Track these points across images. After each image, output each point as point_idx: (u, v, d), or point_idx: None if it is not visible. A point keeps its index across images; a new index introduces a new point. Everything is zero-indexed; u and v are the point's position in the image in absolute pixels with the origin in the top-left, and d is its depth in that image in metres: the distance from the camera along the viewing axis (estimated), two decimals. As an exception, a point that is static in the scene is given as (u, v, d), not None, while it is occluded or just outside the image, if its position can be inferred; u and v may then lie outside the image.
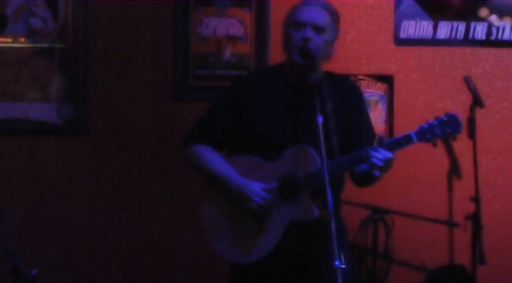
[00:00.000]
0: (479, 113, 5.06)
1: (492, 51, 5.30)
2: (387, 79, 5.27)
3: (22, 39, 5.17)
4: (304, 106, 3.64)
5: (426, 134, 3.52)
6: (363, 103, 3.84)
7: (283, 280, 3.67)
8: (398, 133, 5.16)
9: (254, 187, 3.61)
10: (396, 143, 3.55)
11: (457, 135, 3.55)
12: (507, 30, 5.30)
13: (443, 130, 3.51)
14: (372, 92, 5.26)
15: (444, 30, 5.29)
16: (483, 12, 5.30)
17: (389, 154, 3.52)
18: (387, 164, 3.54)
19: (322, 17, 3.64)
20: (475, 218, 4.94)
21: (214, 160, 3.72)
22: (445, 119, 3.51)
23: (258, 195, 3.60)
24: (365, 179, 3.71)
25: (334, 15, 3.68)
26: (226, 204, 3.69)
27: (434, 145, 3.57)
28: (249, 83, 3.78)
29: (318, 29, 3.62)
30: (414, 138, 3.52)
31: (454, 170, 5.27)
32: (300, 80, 3.67)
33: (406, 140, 3.54)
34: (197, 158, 3.75)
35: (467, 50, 5.30)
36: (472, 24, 5.29)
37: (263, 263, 3.63)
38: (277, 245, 3.59)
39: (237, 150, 3.72)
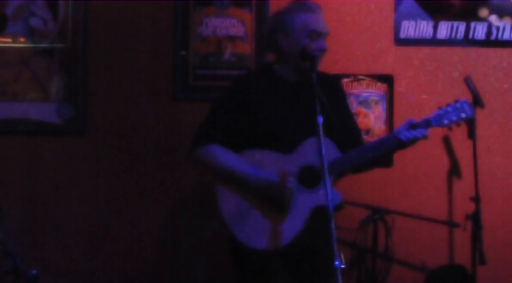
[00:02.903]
0: (479, 113, 5.05)
1: (492, 51, 5.31)
2: (387, 79, 5.27)
3: (22, 39, 5.17)
4: (304, 101, 3.76)
5: (442, 119, 3.81)
6: (346, 97, 4.08)
7: (288, 271, 3.73)
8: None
9: (277, 175, 3.69)
10: (416, 127, 3.79)
11: (470, 119, 3.90)
12: (507, 30, 5.30)
13: (457, 115, 3.82)
14: (372, 92, 5.26)
15: (444, 30, 5.29)
16: (483, 12, 5.30)
17: (424, 132, 3.79)
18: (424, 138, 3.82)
19: (326, 25, 3.87)
20: (475, 218, 4.94)
21: (229, 157, 3.78)
22: (458, 105, 3.82)
23: (284, 178, 3.68)
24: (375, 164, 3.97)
25: None
26: (246, 195, 3.76)
27: (450, 129, 3.88)
28: (247, 83, 3.88)
29: (326, 37, 3.85)
30: (433, 123, 3.81)
31: (454, 170, 5.27)
32: (296, 80, 3.82)
33: (426, 124, 3.80)
34: (211, 158, 3.81)
35: (467, 50, 5.30)
36: (472, 24, 5.29)
37: (276, 254, 3.71)
38: (301, 230, 3.69)
39: (244, 148, 3.79)
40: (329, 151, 3.65)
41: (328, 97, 3.73)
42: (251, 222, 3.74)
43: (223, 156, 3.78)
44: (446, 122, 3.80)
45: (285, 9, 3.90)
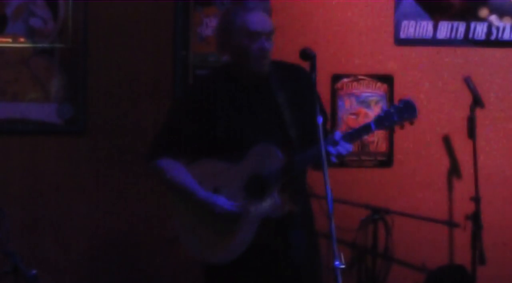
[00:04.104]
0: (479, 113, 5.06)
1: (492, 51, 5.30)
2: (387, 79, 5.27)
3: (22, 39, 5.17)
4: (257, 105, 3.70)
5: (384, 121, 3.62)
6: (312, 86, 3.79)
7: (258, 276, 3.71)
8: (398, 132, 5.19)
9: (221, 202, 3.66)
10: (356, 134, 3.64)
11: (414, 120, 3.64)
12: (507, 30, 5.30)
13: (400, 116, 3.61)
14: (372, 92, 5.26)
15: (444, 30, 5.29)
16: (483, 12, 5.30)
17: (350, 147, 3.60)
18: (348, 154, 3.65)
19: (270, 23, 3.70)
20: (475, 218, 4.95)
21: (177, 176, 3.74)
22: (401, 105, 3.62)
23: (227, 210, 3.64)
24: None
25: (271, 13, 3.74)
26: (196, 212, 3.73)
27: (393, 131, 3.66)
28: (200, 89, 3.81)
29: (269, 36, 3.69)
30: (373, 127, 3.62)
31: (454, 170, 5.27)
32: (250, 81, 3.72)
33: (365, 129, 3.64)
34: (161, 174, 3.78)
35: (467, 50, 5.30)
36: (472, 24, 5.29)
37: (237, 262, 3.67)
38: (252, 242, 3.64)
39: (202, 155, 3.73)
40: (272, 158, 3.60)
41: (289, 88, 3.68)
42: (201, 236, 3.72)
43: (171, 174, 3.74)
44: (387, 123, 3.61)
45: (225, 10, 3.82)
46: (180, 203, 3.80)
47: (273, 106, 3.67)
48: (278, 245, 3.69)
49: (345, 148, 3.59)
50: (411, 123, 3.65)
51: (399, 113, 3.61)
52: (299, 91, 3.72)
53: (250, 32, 3.64)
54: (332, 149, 3.57)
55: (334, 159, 3.59)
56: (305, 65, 3.72)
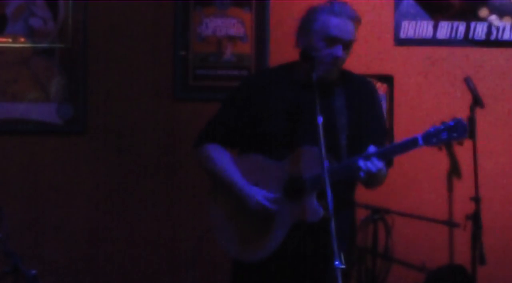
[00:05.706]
0: (479, 113, 5.05)
1: (492, 51, 5.30)
2: (387, 79, 5.27)
3: (22, 39, 5.17)
4: (310, 106, 3.58)
5: (432, 138, 3.48)
6: (377, 102, 3.80)
7: (285, 281, 3.68)
8: (398, 133, 5.20)
9: (258, 196, 3.61)
10: (403, 146, 3.52)
11: (463, 140, 3.52)
12: (507, 30, 5.30)
13: (449, 135, 3.46)
14: (372, 92, 5.26)
15: (444, 30, 5.29)
16: (483, 12, 5.30)
17: (380, 165, 3.48)
18: (380, 172, 3.51)
19: (352, 32, 3.60)
20: (475, 218, 4.94)
21: (222, 162, 3.72)
22: (452, 124, 3.46)
23: (262, 205, 3.61)
24: (366, 182, 3.69)
25: (358, 23, 3.63)
26: (233, 204, 3.70)
27: (440, 149, 3.52)
28: (256, 82, 3.79)
29: (347, 45, 3.60)
30: (420, 142, 3.49)
31: (454, 170, 5.27)
32: (309, 81, 3.61)
33: (411, 144, 3.50)
34: (206, 159, 3.75)
35: (467, 50, 5.30)
36: (472, 24, 5.29)
37: (266, 264, 3.64)
38: (281, 245, 3.60)
39: (247, 148, 3.71)
40: (315, 162, 3.49)
41: (351, 99, 3.62)
42: (234, 231, 3.69)
43: (216, 160, 3.72)
44: (435, 141, 3.46)
45: (315, 6, 3.66)
46: (219, 196, 3.75)
47: (328, 110, 3.55)
48: (307, 251, 3.64)
49: (375, 165, 3.47)
50: (460, 143, 3.51)
51: (449, 131, 3.45)
52: (361, 105, 3.66)
53: (327, 35, 3.56)
54: (362, 164, 3.47)
55: (362, 174, 3.48)
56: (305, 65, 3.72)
